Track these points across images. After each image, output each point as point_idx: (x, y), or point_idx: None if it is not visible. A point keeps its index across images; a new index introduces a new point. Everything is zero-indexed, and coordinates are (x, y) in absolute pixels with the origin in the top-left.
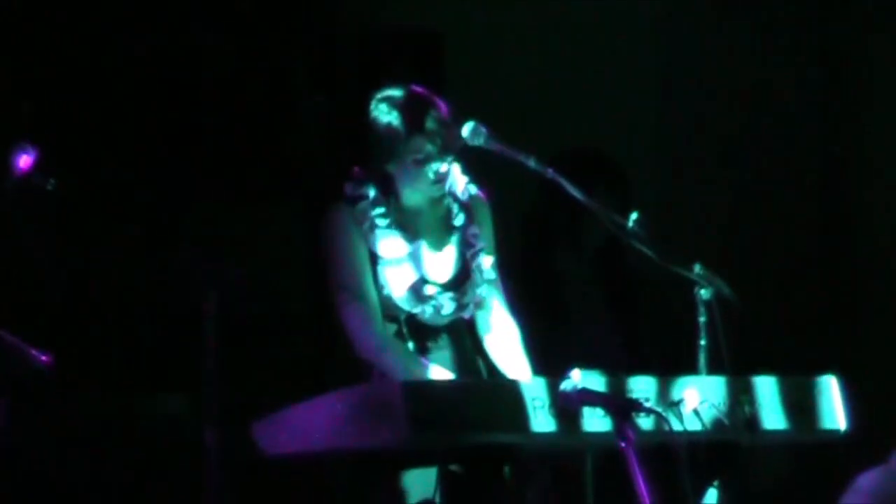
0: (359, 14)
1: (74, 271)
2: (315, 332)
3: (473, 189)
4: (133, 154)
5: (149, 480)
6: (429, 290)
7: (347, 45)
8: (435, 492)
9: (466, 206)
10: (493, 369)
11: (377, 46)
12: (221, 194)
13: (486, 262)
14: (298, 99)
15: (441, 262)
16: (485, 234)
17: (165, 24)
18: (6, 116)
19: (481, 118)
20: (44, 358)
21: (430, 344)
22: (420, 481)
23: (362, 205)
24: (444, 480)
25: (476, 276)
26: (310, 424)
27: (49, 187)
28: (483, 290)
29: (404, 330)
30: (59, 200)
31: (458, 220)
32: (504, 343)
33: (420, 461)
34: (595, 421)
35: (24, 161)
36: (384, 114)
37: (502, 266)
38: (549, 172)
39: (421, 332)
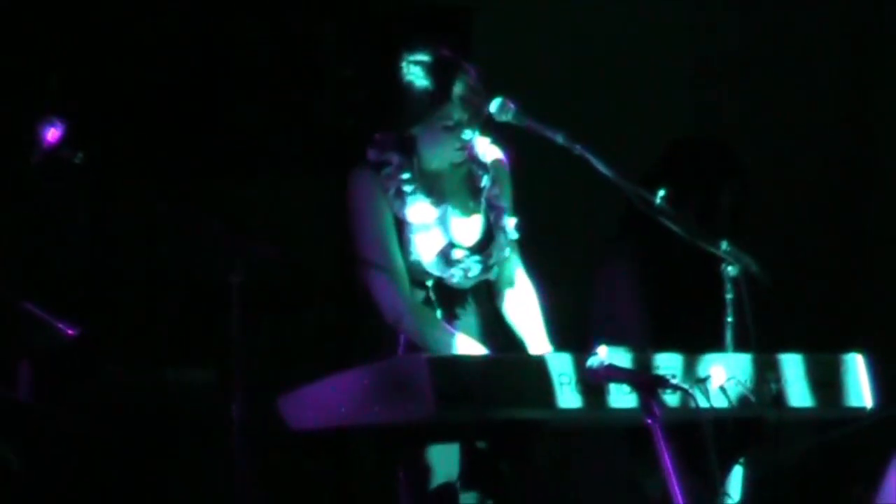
0: None
1: (102, 245)
2: (342, 303)
3: (495, 150)
4: (161, 127)
5: (175, 453)
6: (457, 253)
7: (377, 19)
8: (459, 471)
9: (488, 168)
10: (512, 336)
11: (406, 20)
12: (249, 167)
13: (510, 222)
14: (328, 72)
15: (467, 225)
16: (505, 195)
17: (202, 4)
18: (34, 90)
19: (508, 93)
20: (70, 331)
21: (457, 308)
22: (445, 459)
23: (387, 170)
24: (468, 458)
25: (500, 238)
26: (335, 399)
27: (77, 160)
28: (507, 251)
29: (432, 296)
30: (87, 174)
31: (483, 181)
32: (522, 305)
33: (446, 436)
34: (621, 397)
35: (52, 134)
36: (419, 78)
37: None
38: (577, 149)
39: (448, 297)
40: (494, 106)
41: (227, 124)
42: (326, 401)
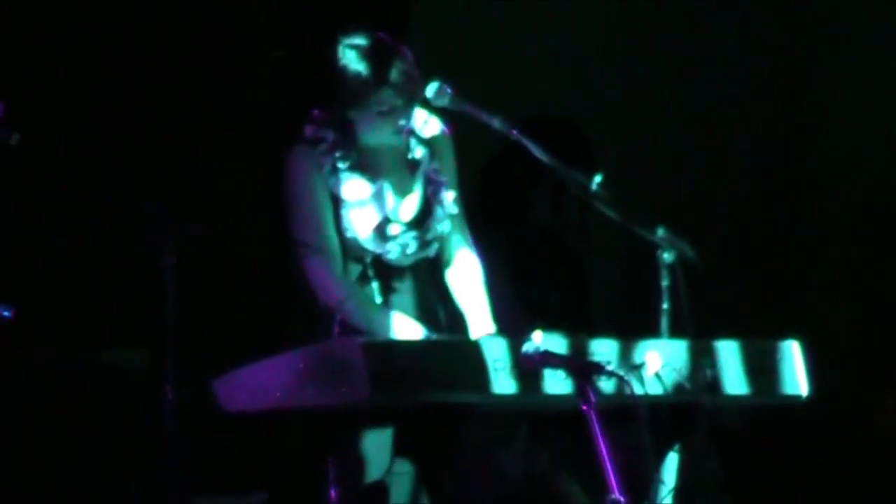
0: None
1: (34, 226)
2: (275, 285)
3: (437, 125)
4: (94, 108)
5: (108, 434)
6: (393, 229)
7: (309, 2)
8: (391, 458)
9: (427, 143)
10: (453, 313)
11: (340, 2)
12: (181, 149)
13: (448, 196)
14: (260, 53)
15: (404, 201)
16: (446, 168)
17: None
18: None
19: (445, 76)
20: (6, 312)
21: (395, 284)
22: (378, 452)
23: (322, 147)
24: (401, 445)
25: (438, 212)
26: (270, 382)
27: (13, 142)
28: (445, 226)
29: (370, 272)
30: (20, 155)
31: (418, 154)
32: (465, 278)
33: (379, 420)
34: (557, 383)
35: None
36: (353, 62)
37: (465, 204)
38: (514, 133)
39: (386, 273)
40: (431, 90)
41: (160, 105)
42: (261, 383)
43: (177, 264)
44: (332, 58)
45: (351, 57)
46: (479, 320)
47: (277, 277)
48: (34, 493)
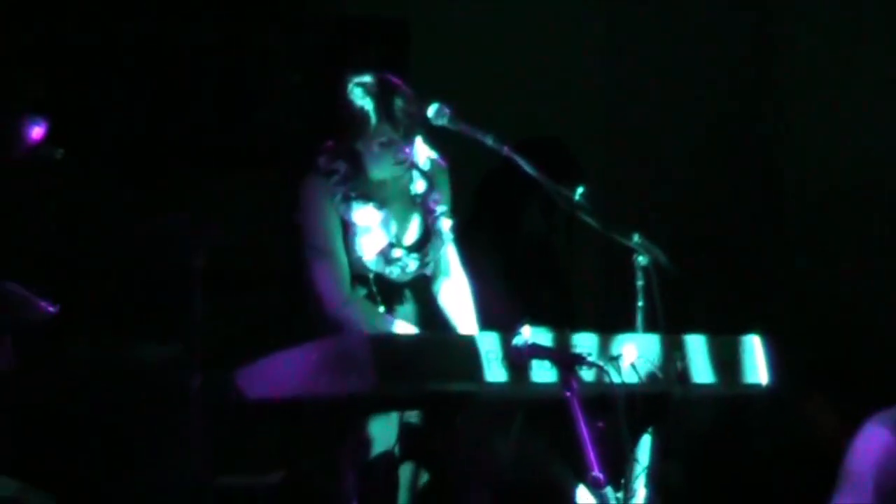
0: (336, 2)
1: (78, 233)
2: (290, 286)
3: (434, 156)
4: (130, 129)
5: (142, 418)
6: (396, 252)
7: (323, 31)
8: (396, 442)
9: (427, 175)
10: (446, 322)
11: (349, 32)
12: (207, 164)
13: (446, 224)
14: (278, 78)
15: (406, 228)
16: (444, 198)
17: (164, 13)
18: (18, 93)
19: (443, 98)
20: (51, 308)
21: (395, 299)
22: (383, 432)
23: (335, 178)
24: (404, 430)
25: (436, 239)
26: (286, 372)
27: (57, 157)
28: (443, 249)
29: (373, 288)
30: (65, 169)
31: (419, 188)
32: (455, 294)
33: (385, 407)
34: (543, 373)
35: (36, 133)
36: (358, 98)
37: (463, 216)
38: (505, 150)
39: (387, 290)
40: (432, 111)
41: (189, 125)
42: (279, 373)
43: (204, 267)
44: (342, 93)
45: (357, 93)
46: (467, 328)
47: (292, 279)
48: (77, 470)
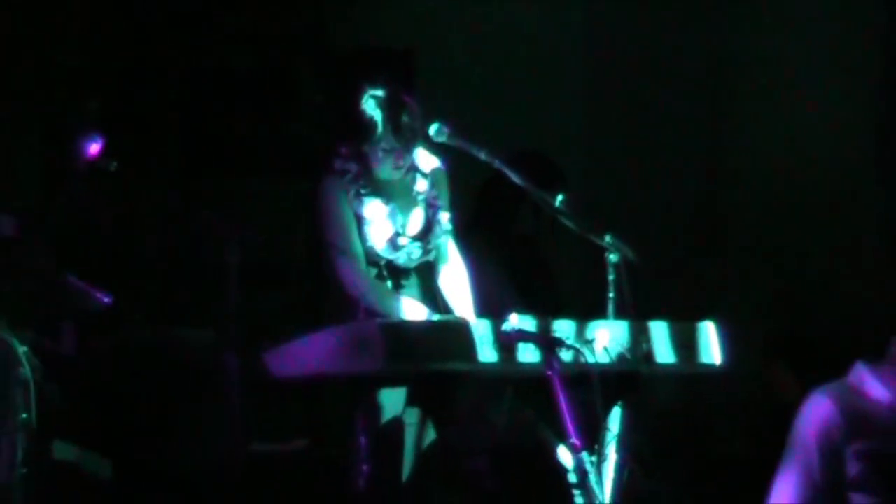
0: (353, 33)
1: (129, 233)
2: (313, 278)
3: (436, 161)
4: (173, 141)
5: (185, 393)
6: (402, 241)
7: (342, 59)
8: (403, 410)
9: (428, 176)
10: (446, 303)
11: (364, 58)
12: (242, 171)
13: (444, 217)
14: (304, 99)
15: (411, 220)
16: (443, 196)
17: (210, 43)
18: (77, 113)
19: (443, 117)
20: (105, 299)
21: (403, 282)
22: (392, 402)
23: (348, 177)
24: (411, 400)
25: (437, 228)
26: (309, 353)
27: (112, 168)
28: (442, 239)
29: (384, 272)
30: (119, 178)
31: (421, 187)
32: (454, 280)
33: (393, 383)
34: (528, 354)
35: (94, 148)
36: (370, 108)
37: (456, 222)
38: (496, 163)
39: (396, 273)
40: (433, 129)
41: (227, 139)
42: (302, 354)
43: (238, 261)
44: (357, 102)
45: (370, 104)
46: (464, 310)
47: (315, 273)
48: (130, 438)
